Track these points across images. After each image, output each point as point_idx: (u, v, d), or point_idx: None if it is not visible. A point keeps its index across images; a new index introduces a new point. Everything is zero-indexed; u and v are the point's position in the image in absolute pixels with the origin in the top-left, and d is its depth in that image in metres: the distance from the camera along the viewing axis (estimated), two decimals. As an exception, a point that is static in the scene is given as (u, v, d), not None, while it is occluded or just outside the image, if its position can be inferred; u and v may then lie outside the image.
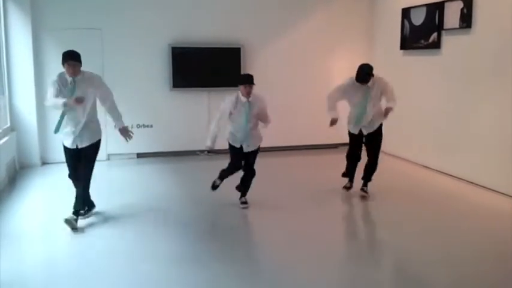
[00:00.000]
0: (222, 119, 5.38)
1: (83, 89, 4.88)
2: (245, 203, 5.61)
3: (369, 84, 5.69)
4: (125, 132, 5.17)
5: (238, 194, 5.71)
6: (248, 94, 5.29)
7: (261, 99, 5.45)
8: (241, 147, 5.46)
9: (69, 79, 4.85)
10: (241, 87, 5.30)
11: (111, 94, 5.15)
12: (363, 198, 6.01)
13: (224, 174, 5.61)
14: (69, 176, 5.11)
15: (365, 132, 5.90)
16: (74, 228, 4.86)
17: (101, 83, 5.10)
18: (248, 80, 5.28)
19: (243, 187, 5.66)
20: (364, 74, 5.63)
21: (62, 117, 4.90)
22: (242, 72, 8.36)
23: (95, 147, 5.06)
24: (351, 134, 6.03)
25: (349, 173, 6.19)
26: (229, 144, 5.56)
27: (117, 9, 7.94)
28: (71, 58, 4.84)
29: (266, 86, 8.77)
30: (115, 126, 5.27)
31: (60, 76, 4.88)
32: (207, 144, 5.41)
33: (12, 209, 5.61)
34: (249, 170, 5.54)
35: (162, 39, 8.17)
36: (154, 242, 4.70)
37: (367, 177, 6.07)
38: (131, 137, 5.21)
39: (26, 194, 6.20)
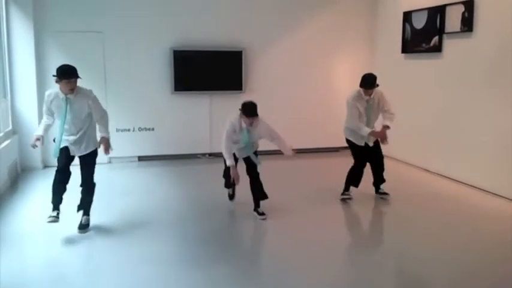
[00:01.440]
0: (230, 141, 5.25)
1: (76, 107, 4.72)
2: (263, 213, 5.44)
3: (372, 95, 5.73)
4: (106, 142, 5.00)
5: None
6: (251, 124, 5.20)
7: (261, 124, 5.29)
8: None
9: (62, 96, 4.67)
10: (245, 117, 5.15)
11: (105, 115, 4.99)
12: (385, 198, 6.10)
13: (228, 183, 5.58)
14: (56, 176, 4.88)
15: (371, 144, 5.90)
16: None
17: (96, 104, 4.87)
18: (254, 113, 5.14)
19: (256, 197, 5.46)
20: (372, 78, 5.66)
21: (60, 138, 4.80)
22: (245, 76, 8.42)
23: (91, 154, 4.98)
24: (356, 146, 5.88)
25: (353, 183, 6.03)
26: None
27: (119, 12, 7.97)
28: (67, 75, 4.59)
29: (267, 89, 8.81)
30: (100, 134, 5.02)
31: (53, 95, 4.72)
32: (228, 164, 5.20)
33: (14, 212, 5.63)
34: (253, 173, 5.41)
35: (163, 42, 8.19)
36: (155, 244, 4.70)
37: (381, 178, 6.10)
38: (109, 152, 5.06)
39: (27, 196, 6.22)
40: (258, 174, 5.41)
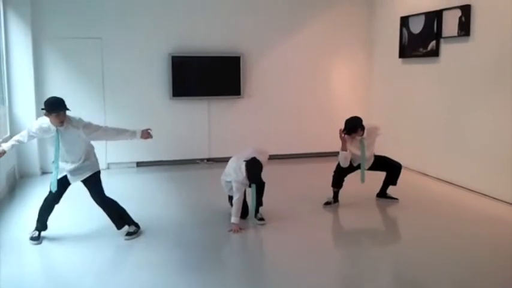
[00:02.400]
0: (242, 194, 5.24)
1: (69, 139, 4.62)
2: (262, 219, 5.44)
3: (364, 135, 5.76)
4: (147, 134, 4.98)
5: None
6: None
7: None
8: None
9: (53, 128, 4.58)
10: (248, 176, 5.12)
11: (106, 128, 4.90)
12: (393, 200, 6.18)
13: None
14: (45, 201, 4.89)
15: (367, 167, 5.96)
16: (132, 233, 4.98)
17: (92, 129, 4.72)
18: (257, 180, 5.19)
19: (257, 203, 5.43)
20: (351, 126, 5.69)
21: (56, 172, 4.70)
22: (243, 82, 8.46)
23: (92, 175, 4.86)
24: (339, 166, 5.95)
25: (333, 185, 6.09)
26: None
27: (117, 18, 7.98)
28: (56, 109, 4.48)
29: (265, 94, 8.83)
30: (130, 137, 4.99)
31: (46, 125, 4.61)
32: (233, 221, 5.14)
33: (13, 218, 5.62)
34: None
35: (162, 48, 8.21)
36: (153, 250, 4.69)
37: (391, 184, 6.14)
38: (151, 136, 5.03)
39: (25, 202, 6.20)
40: (264, 183, 5.40)
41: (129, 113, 8.09)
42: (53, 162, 4.82)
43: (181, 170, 8.23)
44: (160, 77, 8.29)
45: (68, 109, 4.56)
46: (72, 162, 4.73)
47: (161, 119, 8.34)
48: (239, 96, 8.60)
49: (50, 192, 4.87)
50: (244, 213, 5.39)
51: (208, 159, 8.73)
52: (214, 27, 8.42)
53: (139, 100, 8.24)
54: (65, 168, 4.75)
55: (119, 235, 4.99)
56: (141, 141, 8.37)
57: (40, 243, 4.81)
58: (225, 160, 5.74)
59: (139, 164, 8.44)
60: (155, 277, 4.11)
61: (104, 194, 4.94)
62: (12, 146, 4.78)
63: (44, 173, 7.66)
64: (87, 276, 4.15)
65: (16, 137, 4.80)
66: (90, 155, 4.86)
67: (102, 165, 7.80)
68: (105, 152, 8.07)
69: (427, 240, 4.98)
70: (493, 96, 6.30)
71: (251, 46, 8.61)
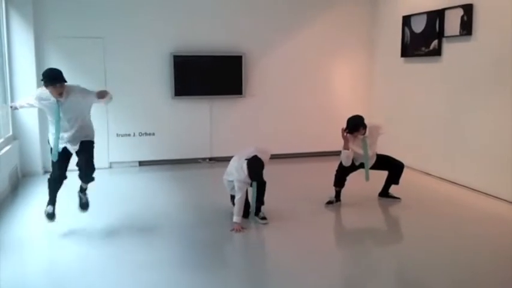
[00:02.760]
0: (244, 193, 5.24)
1: (69, 107, 4.76)
2: (264, 218, 5.44)
3: (366, 134, 5.77)
4: (100, 94, 4.87)
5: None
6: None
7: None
8: None
9: (53, 99, 4.73)
10: (249, 174, 5.13)
11: (91, 92, 4.92)
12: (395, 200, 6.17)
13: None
14: (50, 180, 4.97)
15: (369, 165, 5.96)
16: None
17: (85, 93, 4.87)
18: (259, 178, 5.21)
19: (258, 201, 5.43)
20: (353, 124, 5.71)
21: (56, 142, 4.80)
22: (245, 81, 8.45)
23: (87, 141, 4.97)
24: (341, 165, 5.94)
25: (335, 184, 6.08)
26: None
27: (119, 18, 7.99)
28: (53, 81, 4.62)
29: (267, 94, 8.83)
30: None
31: (44, 95, 4.78)
32: (235, 220, 5.13)
33: (15, 217, 5.63)
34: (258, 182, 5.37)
35: (163, 47, 8.21)
36: (155, 249, 4.70)
37: (393, 183, 6.13)
38: (110, 98, 4.96)
39: (28, 201, 6.22)
40: (265, 182, 5.40)
41: (131, 112, 8.12)
42: (52, 134, 4.86)
43: (183, 169, 8.24)
44: (162, 76, 8.30)
45: (65, 81, 4.64)
46: (71, 128, 4.82)
47: (163, 118, 8.36)
48: (241, 96, 8.61)
49: (52, 173, 4.94)
50: (246, 212, 5.39)
51: (210, 159, 8.74)
52: (216, 26, 8.42)
53: (141, 99, 8.25)
54: (64, 137, 4.82)
55: (119, 234, 5.02)
56: (143, 140, 8.46)
57: (54, 220, 4.95)
58: (227, 159, 5.75)
59: (141, 163, 8.45)
60: (157, 276, 4.12)
61: (93, 161, 5.02)
62: (21, 106, 5.21)
63: (46, 172, 7.66)
64: (89, 275, 4.16)
65: (27, 101, 5.05)
66: (87, 124, 4.99)
67: (104, 165, 7.95)
68: (108, 151, 8.09)
69: (429, 240, 4.98)
70: (494, 96, 6.29)
71: (253, 45, 8.60)
